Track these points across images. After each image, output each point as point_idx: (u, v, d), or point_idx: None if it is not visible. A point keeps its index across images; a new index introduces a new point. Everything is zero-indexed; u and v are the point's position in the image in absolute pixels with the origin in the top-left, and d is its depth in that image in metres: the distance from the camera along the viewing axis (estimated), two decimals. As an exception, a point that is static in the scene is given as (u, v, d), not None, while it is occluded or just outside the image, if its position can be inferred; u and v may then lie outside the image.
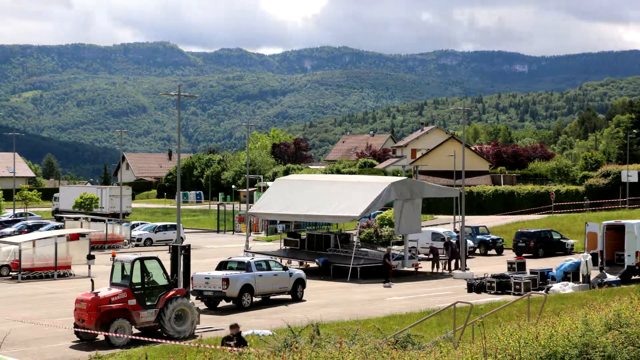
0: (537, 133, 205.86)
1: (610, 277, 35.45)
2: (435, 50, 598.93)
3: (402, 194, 42.24)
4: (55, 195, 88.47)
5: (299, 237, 47.89)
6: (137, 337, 25.01)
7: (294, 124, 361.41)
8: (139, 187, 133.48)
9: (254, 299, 32.61)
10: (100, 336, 25.10)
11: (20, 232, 61.08)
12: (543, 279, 35.37)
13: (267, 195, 49.16)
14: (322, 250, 45.34)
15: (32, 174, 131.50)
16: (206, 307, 31.96)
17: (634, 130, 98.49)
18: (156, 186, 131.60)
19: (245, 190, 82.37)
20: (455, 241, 45.02)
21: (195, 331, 26.40)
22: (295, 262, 45.35)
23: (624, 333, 12.81)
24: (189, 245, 28.97)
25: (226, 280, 31.53)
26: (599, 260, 36.72)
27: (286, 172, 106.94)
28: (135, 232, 62.79)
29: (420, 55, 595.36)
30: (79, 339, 25.47)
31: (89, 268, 42.30)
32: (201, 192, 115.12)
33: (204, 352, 15.54)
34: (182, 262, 27.38)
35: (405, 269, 43.06)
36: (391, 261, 40.85)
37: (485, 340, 12.06)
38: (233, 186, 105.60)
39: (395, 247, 48.33)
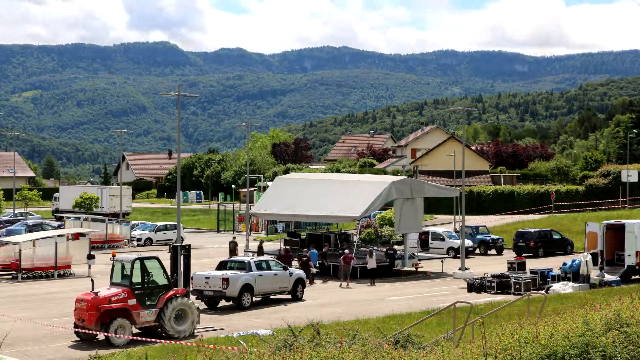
0: (537, 133, 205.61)
1: (609, 277, 35.44)
2: (435, 50, 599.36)
3: (402, 193, 42.23)
4: (55, 195, 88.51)
5: (299, 237, 47.88)
6: (137, 338, 25.02)
7: (294, 124, 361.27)
8: (139, 186, 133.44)
9: (254, 299, 32.61)
10: (100, 336, 25.09)
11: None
12: (543, 278, 35.37)
13: (268, 194, 49.14)
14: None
15: (32, 174, 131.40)
16: (206, 306, 31.96)
17: (634, 130, 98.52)
18: (156, 186, 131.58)
19: (245, 190, 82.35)
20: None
21: (195, 331, 26.40)
22: (295, 262, 45.31)
23: (624, 333, 12.80)
24: (189, 245, 28.96)
25: (226, 280, 31.53)
26: (599, 260, 36.72)
27: (286, 172, 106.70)
28: (135, 232, 62.79)
29: (421, 55, 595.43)
30: (79, 339, 25.47)
31: (89, 268, 42.31)
32: (201, 192, 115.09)
33: (204, 352, 15.53)
34: (182, 262, 27.39)
35: (405, 268, 43.06)
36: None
37: (486, 340, 12.06)
38: (233, 186, 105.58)
39: (396, 246, 48.29)
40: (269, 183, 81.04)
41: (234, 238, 50.24)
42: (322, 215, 43.86)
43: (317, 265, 41.83)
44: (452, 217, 62.92)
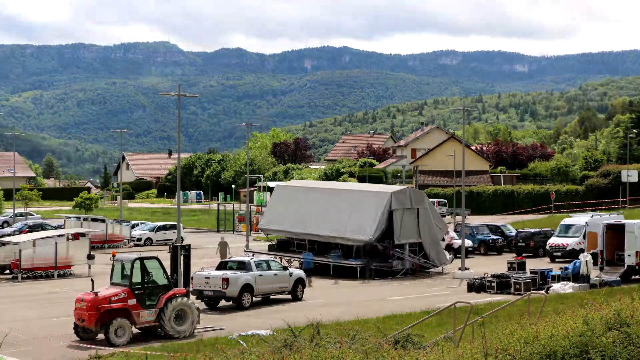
0: (537, 133, 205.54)
1: (608, 277, 35.41)
2: (435, 50, 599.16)
3: (402, 203, 42.23)
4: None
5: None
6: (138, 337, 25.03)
7: (294, 124, 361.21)
8: (139, 186, 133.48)
9: (254, 299, 32.62)
10: (100, 336, 25.09)
11: (20, 231, 61.13)
12: (543, 278, 35.37)
13: (272, 206, 49.18)
14: (323, 250, 45.29)
15: (32, 174, 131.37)
16: (206, 307, 31.97)
17: (634, 130, 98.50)
18: (156, 186, 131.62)
19: (245, 190, 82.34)
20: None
21: (195, 331, 26.41)
22: (296, 262, 45.31)
23: (624, 333, 12.79)
24: (189, 245, 28.97)
25: (226, 280, 31.53)
26: (599, 260, 36.71)
27: (286, 172, 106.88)
28: (135, 232, 62.79)
29: (420, 55, 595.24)
30: (78, 339, 25.47)
31: (89, 268, 42.31)
32: (201, 191, 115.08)
33: (204, 352, 15.53)
34: (182, 262, 27.39)
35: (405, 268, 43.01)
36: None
37: (486, 340, 12.06)
38: (233, 186, 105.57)
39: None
40: (270, 183, 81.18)
41: (222, 238, 49.00)
42: (336, 236, 43.61)
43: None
44: (450, 217, 62.89)
